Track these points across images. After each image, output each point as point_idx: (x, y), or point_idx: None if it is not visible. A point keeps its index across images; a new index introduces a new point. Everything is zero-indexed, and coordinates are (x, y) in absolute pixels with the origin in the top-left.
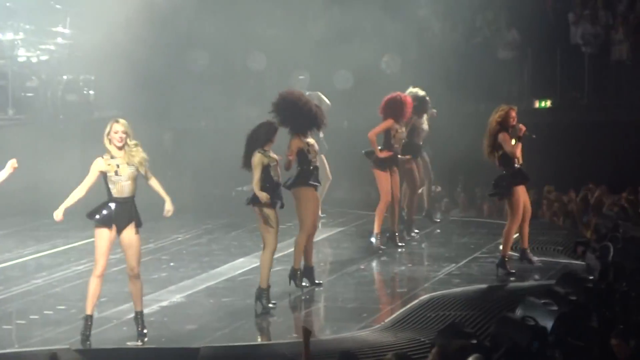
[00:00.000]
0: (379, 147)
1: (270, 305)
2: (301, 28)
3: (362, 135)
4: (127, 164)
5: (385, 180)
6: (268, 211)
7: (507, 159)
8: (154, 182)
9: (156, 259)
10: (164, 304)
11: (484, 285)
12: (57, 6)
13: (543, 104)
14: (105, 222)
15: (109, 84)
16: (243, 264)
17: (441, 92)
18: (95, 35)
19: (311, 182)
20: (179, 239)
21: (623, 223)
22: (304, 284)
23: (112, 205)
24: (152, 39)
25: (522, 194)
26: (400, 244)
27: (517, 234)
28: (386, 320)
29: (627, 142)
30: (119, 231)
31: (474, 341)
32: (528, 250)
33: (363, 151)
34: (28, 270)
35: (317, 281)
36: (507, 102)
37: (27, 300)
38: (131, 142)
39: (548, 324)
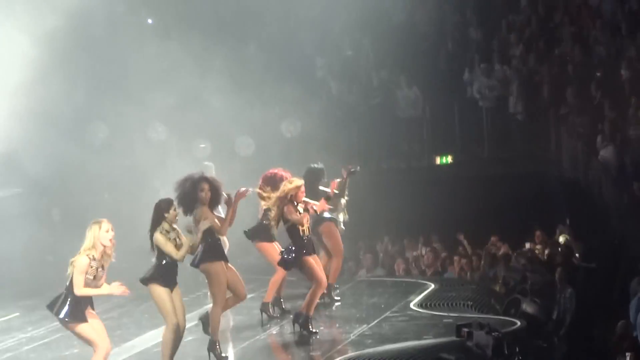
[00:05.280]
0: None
1: None
2: (200, 96)
3: None
4: None
5: (274, 252)
6: (159, 291)
7: (294, 230)
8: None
9: (67, 336)
10: None
11: (396, 345)
12: None
13: (444, 159)
14: None
15: (7, 161)
16: (155, 336)
17: (343, 153)
18: None
19: (219, 256)
20: None
21: (530, 275)
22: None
23: None
24: (52, 113)
25: (314, 262)
26: (284, 307)
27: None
28: None
29: (528, 193)
30: None
31: None
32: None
33: (244, 231)
34: None
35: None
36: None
37: None
38: None
39: None
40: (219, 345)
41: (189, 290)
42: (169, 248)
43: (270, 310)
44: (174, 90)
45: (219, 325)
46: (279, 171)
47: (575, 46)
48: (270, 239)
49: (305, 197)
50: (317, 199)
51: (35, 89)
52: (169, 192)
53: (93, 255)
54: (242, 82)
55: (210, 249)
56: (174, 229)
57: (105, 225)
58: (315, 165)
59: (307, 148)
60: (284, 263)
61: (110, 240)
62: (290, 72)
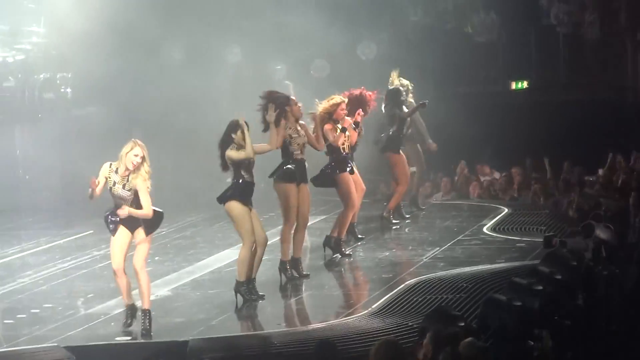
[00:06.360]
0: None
1: (253, 297)
2: (276, 19)
3: None
4: None
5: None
6: (239, 209)
7: (332, 147)
8: None
9: None
10: (151, 298)
11: (469, 268)
12: (31, 5)
13: (520, 85)
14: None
15: (86, 81)
16: (228, 256)
17: (418, 77)
18: (70, 33)
19: (292, 178)
20: (163, 232)
21: (605, 200)
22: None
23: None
24: (127, 33)
25: (350, 181)
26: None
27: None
28: (373, 306)
29: (603, 119)
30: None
31: (462, 324)
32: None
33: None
34: (13, 269)
35: (304, 272)
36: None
37: (14, 300)
38: None
39: (534, 303)
40: (289, 265)
41: (263, 211)
42: (242, 155)
43: (357, 232)
44: (251, 12)
45: (289, 244)
46: (363, 90)
47: None
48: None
49: (385, 118)
50: (393, 121)
51: (113, 9)
52: (243, 114)
53: (116, 169)
54: (318, 4)
55: (282, 168)
56: (243, 147)
57: (137, 149)
58: (391, 87)
59: (382, 71)
60: (320, 181)
61: (133, 164)
62: None
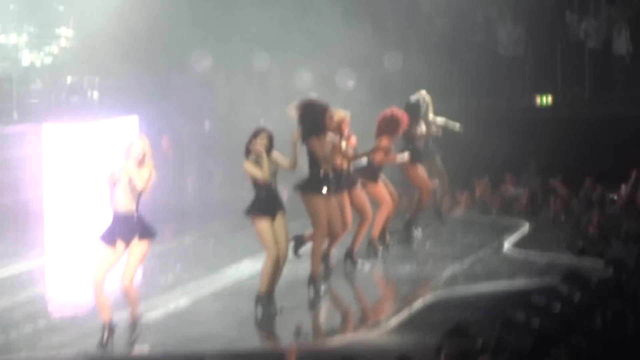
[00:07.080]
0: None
1: (272, 309)
2: (304, 27)
3: (364, 132)
4: None
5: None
6: (261, 223)
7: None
8: None
9: (162, 262)
10: (170, 307)
11: (487, 284)
12: (60, 7)
13: (545, 100)
14: None
15: (114, 85)
16: (249, 267)
17: (443, 89)
18: (98, 36)
19: (322, 191)
20: (185, 241)
21: (626, 219)
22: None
23: None
24: (154, 39)
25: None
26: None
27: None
28: (391, 322)
29: (629, 136)
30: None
31: (478, 343)
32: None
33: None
34: (35, 276)
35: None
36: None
37: (35, 306)
38: None
39: (552, 324)
40: (317, 280)
41: (294, 217)
42: (257, 174)
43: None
44: (278, 20)
45: (318, 258)
46: (394, 110)
47: None
48: (376, 178)
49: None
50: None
51: (142, 14)
52: (270, 123)
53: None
54: (345, 14)
55: (312, 180)
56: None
57: (137, 141)
58: (409, 101)
59: (408, 82)
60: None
61: (138, 160)
62: (395, 6)
